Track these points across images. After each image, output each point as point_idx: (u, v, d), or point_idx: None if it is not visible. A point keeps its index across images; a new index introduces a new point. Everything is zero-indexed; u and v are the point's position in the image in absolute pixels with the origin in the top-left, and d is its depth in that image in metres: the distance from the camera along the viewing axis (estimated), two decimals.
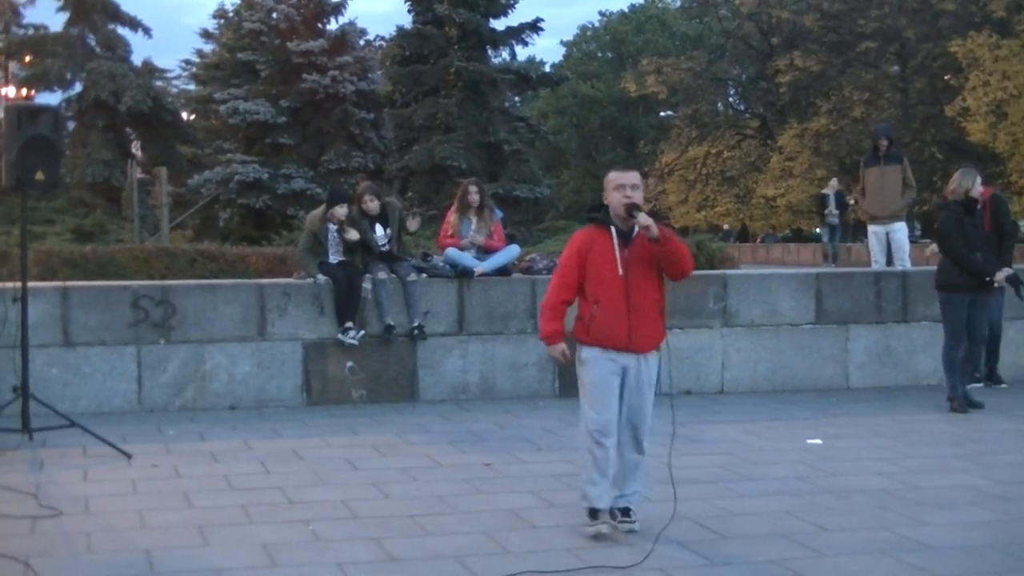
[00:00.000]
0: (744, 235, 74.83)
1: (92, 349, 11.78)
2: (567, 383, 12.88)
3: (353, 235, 12.44)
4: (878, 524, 7.41)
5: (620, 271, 6.96)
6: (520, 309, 12.87)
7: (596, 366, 7.11)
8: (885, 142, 16.36)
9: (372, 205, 12.78)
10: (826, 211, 28.25)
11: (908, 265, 15.05)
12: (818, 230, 29.63)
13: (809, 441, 10.31)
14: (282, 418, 11.58)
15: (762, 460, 9.52)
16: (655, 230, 6.80)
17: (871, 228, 16.62)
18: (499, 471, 9.07)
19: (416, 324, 12.44)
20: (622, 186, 6.95)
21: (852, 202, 28.04)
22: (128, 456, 9.42)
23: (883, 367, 13.83)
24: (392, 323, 12.39)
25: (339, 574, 6.32)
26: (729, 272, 15.00)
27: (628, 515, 7.18)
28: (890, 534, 7.15)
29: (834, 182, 29.30)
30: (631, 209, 6.88)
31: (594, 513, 7.06)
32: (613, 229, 7.01)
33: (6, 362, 10.65)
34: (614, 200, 6.97)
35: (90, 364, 11.77)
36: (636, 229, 6.98)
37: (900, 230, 15.81)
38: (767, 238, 71.57)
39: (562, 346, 7.22)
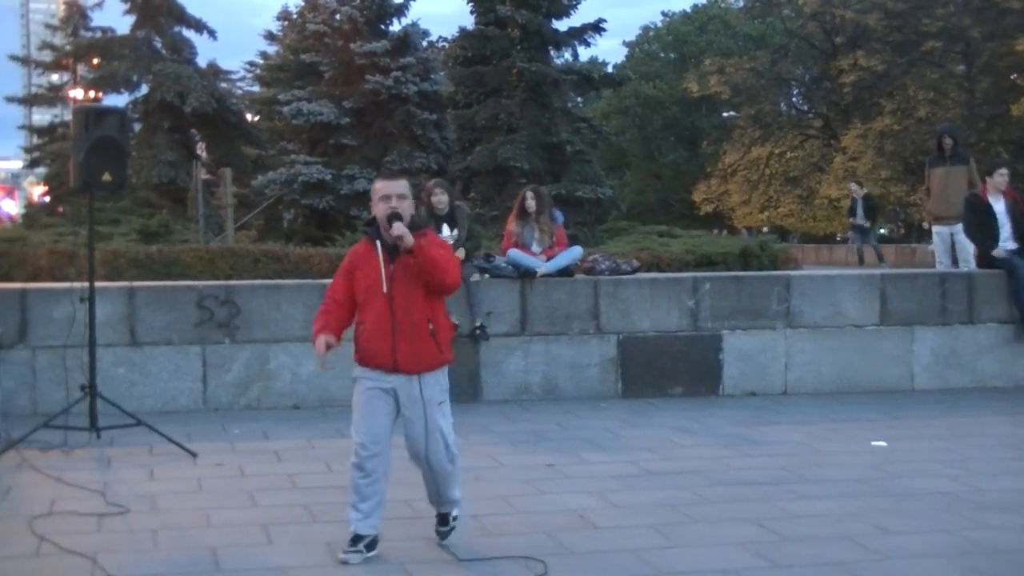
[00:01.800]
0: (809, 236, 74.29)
1: (158, 348, 11.89)
2: (630, 384, 12.89)
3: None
4: (942, 527, 7.36)
5: (384, 287, 6.62)
6: (582, 310, 12.87)
7: (360, 386, 6.99)
8: (949, 141, 16.25)
9: (442, 198, 12.79)
10: (854, 216, 28.03)
11: (973, 266, 14.92)
12: (849, 233, 29.22)
13: (873, 443, 10.25)
14: (345, 418, 11.55)
15: (825, 462, 9.48)
16: (409, 239, 6.42)
17: (935, 229, 16.50)
18: (561, 471, 9.07)
19: (478, 324, 12.46)
20: (388, 196, 6.57)
21: (913, 203, 27.63)
22: (193, 455, 9.51)
23: (948, 369, 13.72)
24: (456, 323, 12.42)
25: (401, 573, 6.36)
26: (792, 273, 14.95)
27: (444, 522, 7.04)
28: (954, 537, 7.10)
29: (854, 186, 29.12)
30: (392, 219, 6.47)
31: (355, 540, 6.72)
32: (379, 243, 6.66)
33: (74, 361, 10.81)
34: (379, 211, 6.59)
35: (156, 363, 11.88)
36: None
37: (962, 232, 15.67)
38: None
39: (322, 349, 6.96)
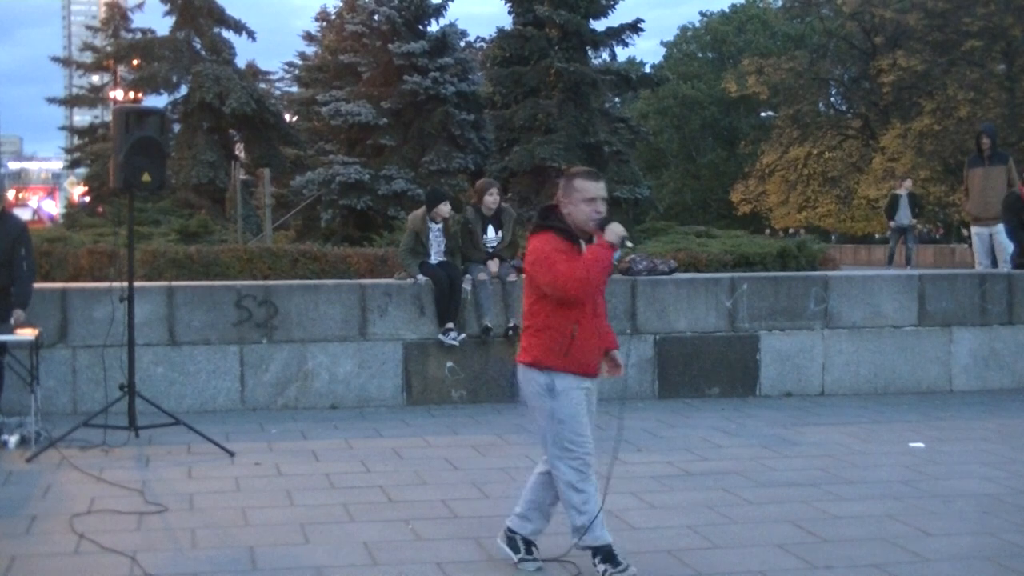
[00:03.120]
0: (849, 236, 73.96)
1: (197, 348, 11.95)
2: (667, 384, 12.87)
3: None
4: (983, 529, 7.32)
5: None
6: (619, 310, 12.84)
7: (572, 395, 6.46)
8: (987, 141, 16.16)
9: (494, 199, 12.78)
10: (896, 213, 27.56)
11: (1011, 266, 14.84)
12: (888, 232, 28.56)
13: (911, 445, 10.20)
14: (383, 418, 11.66)
15: (864, 463, 9.44)
16: (628, 242, 6.25)
17: (974, 229, 16.42)
18: (599, 472, 9.05)
19: (513, 324, 12.45)
20: (594, 199, 6.28)
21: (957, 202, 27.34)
22: (231, 454, 9.55)
23: (988, 369, 13.65)
24: (490, 324, 12.43)
25: (439, 573, 6.36)
26: (830, 273, 14.88)
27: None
28: (995, 540, 7.06)
29: (908, 183, 28.62)
30: (603, 225, 6.22)
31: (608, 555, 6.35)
32: (583, 243, 6.38)
33: (113, 360, 10.89)
34: (583, 212, 6.28)
35: (195, 363, 11.93)
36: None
37: (1003, 231, 15.57)
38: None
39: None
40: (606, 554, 6.30)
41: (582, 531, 6.31)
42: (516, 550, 6.54)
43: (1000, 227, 15.60)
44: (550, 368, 6.39)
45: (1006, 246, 15.42)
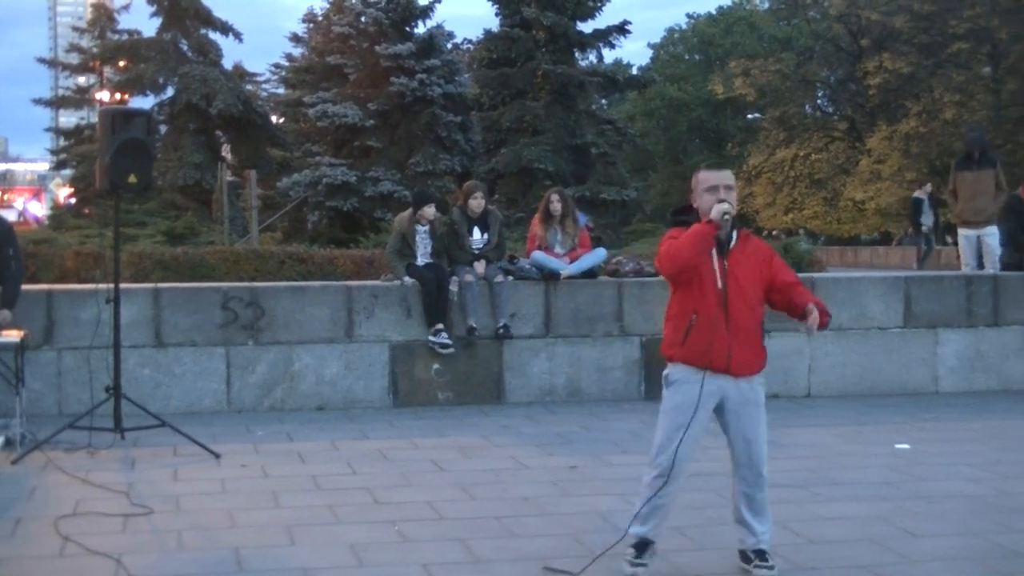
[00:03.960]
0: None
1: (183, 350, 11.92)
2: (654, 386, 12.85)
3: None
4: (969, 530, 7.33)
5: (719, 283, 6.30)
6: (607, 312, 12.85)
7: (681, 389, 6.43)
8: (978, 154, 16.20)
9: (480, 203, 12.80)
10: (922, 216, 27.63)
11: (999, 268, 14.88)
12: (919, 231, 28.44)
13: (897, 446, 10.22)
14: (369, 419, 11.65)
15: (850, 464, 9.45)
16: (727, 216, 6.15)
17: (962, 232, 16.44)
18: (585, 474, 9.07)
19: (501, 323, 12.45)
20: (715, 187, 6.25)
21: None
22: (217, 456, 9.53)
23: (974, 371, 13.67)
24: (475, 325, 12.41)
25: (425, 575, 6.36)
26: (817, 275, 14.90)
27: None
28: (981, 541, 7.07)
29: (928, 187, 28.71)
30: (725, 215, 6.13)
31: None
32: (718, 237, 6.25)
33: (99, 362, 10.86)
34: (706, 203, 6.25)
35: (181, 365, 11.91)
36: (735, 237, 6.35)
37: (992, 234, 15.60)
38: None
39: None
40: (640, 543, 6.40)
41: (634, 521, 6.42)
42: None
43: (989, 229, 15.62)
44: (670, 357, 6.53)
45: (994, 248, 15.45)
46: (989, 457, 9.73)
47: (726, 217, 6.13)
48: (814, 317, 6.47)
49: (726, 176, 6.37)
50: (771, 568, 6.32)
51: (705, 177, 6.36)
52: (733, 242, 6.35)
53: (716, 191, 6.24)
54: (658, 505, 6.36)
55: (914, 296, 13.57)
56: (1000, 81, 57.37)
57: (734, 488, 6.56)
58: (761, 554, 6.39)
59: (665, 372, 6.56)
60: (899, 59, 59.08)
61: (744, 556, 6.46)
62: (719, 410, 6.45)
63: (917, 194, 28.35)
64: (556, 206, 13.07)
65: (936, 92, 57.15)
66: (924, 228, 27.33)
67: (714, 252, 6.26)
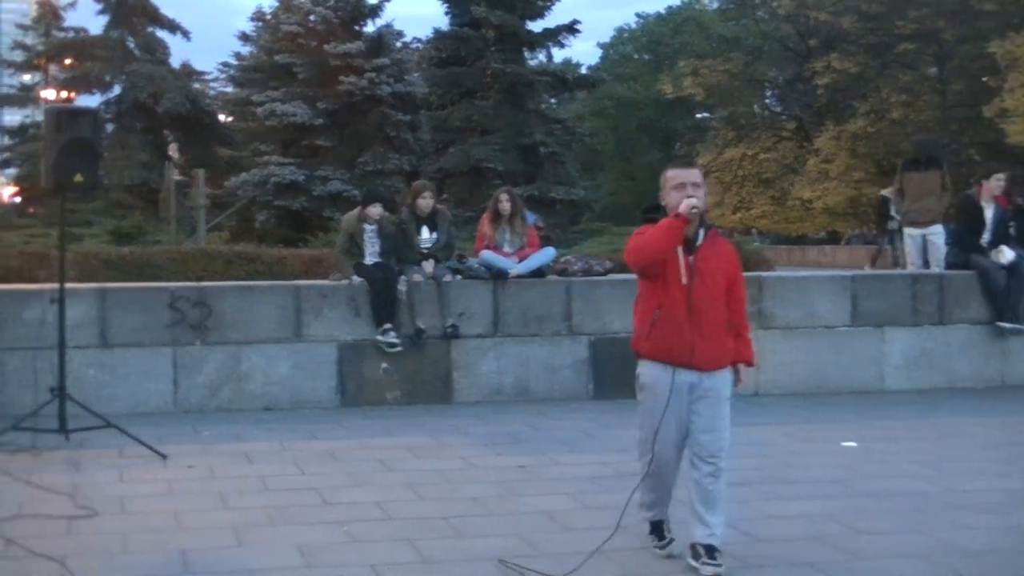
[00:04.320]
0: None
1: (129, 350, 11.83)
2: (603, 385, 12.88)
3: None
4: (916, 528, 7.37)
5: (684, 279, 6.36)
6: (555, 311, 12.85)
7: (653, 390, 6.53)
8: (925, 156, 16.34)
9: (428, 202, 12.79)
10: (891, 214, 27.57)
11: (944, 267, 14.99)
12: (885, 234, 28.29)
13: (845, 444, 10.27)
14: (318, 419, 11.60)
15: (798, 463, 9.49)
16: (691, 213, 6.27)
17: (907, 231, 16.53)
18: (534, 473, 9.06)
19: (450, 324, 12.42)
20: (683, 184, 6.35)
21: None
22: (164, 457, 9.46)
23: (919, 369, 13.75)
24: (422, 327, 12.38)
25: (373, 575, 6.33)
26: (764, 274, 14.95)
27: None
28: (928, 538, 7.11)
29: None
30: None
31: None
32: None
33: (44, 363, 10.74)
34: (674, 199, 6.33)
35: (127, 365, 11.81)
36: (703, 235, 6.48)
37: (937, 233, 15.68)
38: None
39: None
40: (654, 526, 6.78)
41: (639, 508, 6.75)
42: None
43: (934, 229, 15.70)
44: (637, 352, 6.67)
45: (939, 248, 15.54)
46: (935, 454, 9.79)
47: (694, 211, 6.22)
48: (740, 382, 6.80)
49: (694, 174, 6.49)
50: (718, 566, 6.31)
51: (673, 175, 6.47)
52: (700, 239, 6.46)
53: (684, 188, 6.34)
54: (654, 494, 6.71)
55: (861, 295, 13.64)
56: (946, 82, 57.89)
57: (690, 479, 6.62)
58: (710, 550, 6.39)
59: (637, 371, 6.68)
60: (847, 59, 59.51)
61: (694, 551, 6.47)
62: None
63: (884, 192, 28.35)
64: (505, 205, 13.06)
65: (883, 92, 57.62)
66: (891, 227, 27.36)
67: (680, 249, 6.35)
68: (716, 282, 6.46)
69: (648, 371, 6.55)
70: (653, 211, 6.57)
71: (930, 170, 15.95)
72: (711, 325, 6.42)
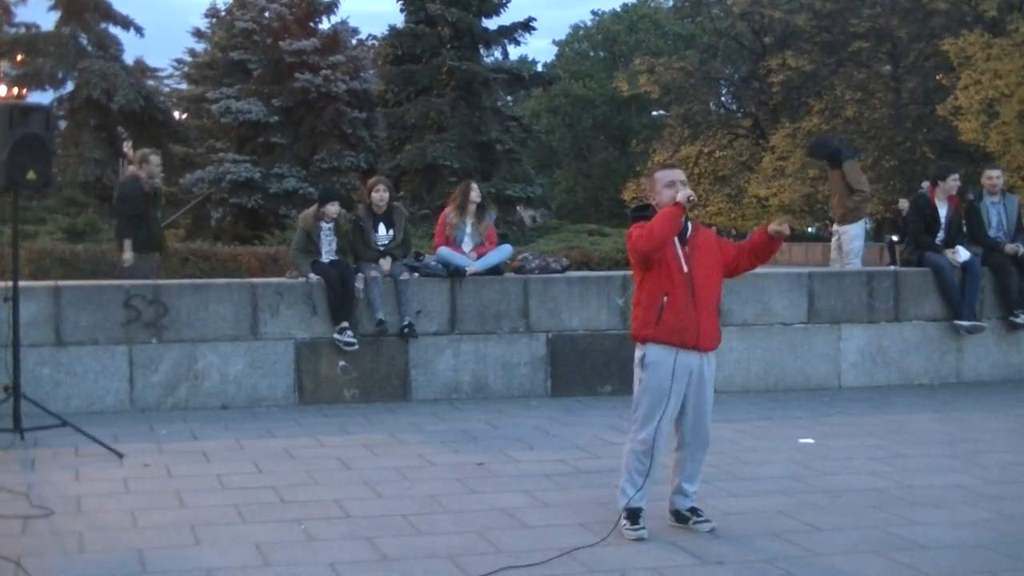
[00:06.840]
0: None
1: (84, 348, 11.76)
2: (560, 382, 12.90)
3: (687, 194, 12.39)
4: (871, 523, 7.42)
5: (684, 267, 6.98)
6: (512, 309, 12.86)
7: (659, 370, 7.04)
8: (821, 160, 16.44)
9: (383, 195, 12.76)
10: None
11: (856, 266, 15.05)
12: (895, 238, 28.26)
13: (801, 440, 10.32)
14: (274, 417, 11.57)
15: (754, 460, 9.53)
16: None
17: (833, 228, 16.71)
18: (491, 470, 9.06)
19: (406, 322, 12.41)
20: (673, 182, 7.03)
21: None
22: (120, 455, 9.41)
23: (875, 366, 13.82)
24: (383, 318, 12.36)
25: (331, 573, 6.32)
26: None
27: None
28: (883, 533, 7.16)
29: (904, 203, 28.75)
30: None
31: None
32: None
33: None
34: (667, 196, 6.97)
35: (82, 363, 11.74)
36: (690, 227, 7.07)
37: (844, 232, 15.70)
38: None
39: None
40: (632, 513, 7.06)
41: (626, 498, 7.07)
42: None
43: (842, 228, 15.66)
44: (644, 338, 7.09)
45: (844, 246, 15.49)
46: (890, 451, 9.85)
47: (691, 200, 6.84)
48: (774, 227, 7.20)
49: (680, 173, 7.22)
50: (708, 521, 7.17)
51: (662, 176, 7.19)
52: (689, 231, 7.09)
53: (674, 185, 7.02)
54: (643, 478, 7.04)
55: (817, 292, 13.69)
56: (900, 80, 58.20)
57: (677, 459, 7.29)
58: (696, 511, 7.23)
59: (640, 353, 7.13)
60: (801, 57, 59.86)
61: (678, 516, 7.24)
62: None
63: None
64: (476, 194, 13.05)
65: (838, 90, 57.92)
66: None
67: (676, 241, 6.98)
68: (711, 268, 7.15)
69: (654, 351, 7.03)
70: (644, 210, 7.25)
71: (834, 170, 16.02)
72: (709, 308, 7.12)
